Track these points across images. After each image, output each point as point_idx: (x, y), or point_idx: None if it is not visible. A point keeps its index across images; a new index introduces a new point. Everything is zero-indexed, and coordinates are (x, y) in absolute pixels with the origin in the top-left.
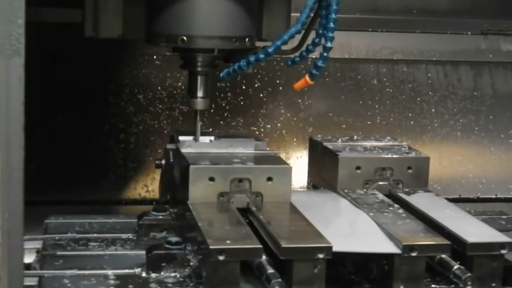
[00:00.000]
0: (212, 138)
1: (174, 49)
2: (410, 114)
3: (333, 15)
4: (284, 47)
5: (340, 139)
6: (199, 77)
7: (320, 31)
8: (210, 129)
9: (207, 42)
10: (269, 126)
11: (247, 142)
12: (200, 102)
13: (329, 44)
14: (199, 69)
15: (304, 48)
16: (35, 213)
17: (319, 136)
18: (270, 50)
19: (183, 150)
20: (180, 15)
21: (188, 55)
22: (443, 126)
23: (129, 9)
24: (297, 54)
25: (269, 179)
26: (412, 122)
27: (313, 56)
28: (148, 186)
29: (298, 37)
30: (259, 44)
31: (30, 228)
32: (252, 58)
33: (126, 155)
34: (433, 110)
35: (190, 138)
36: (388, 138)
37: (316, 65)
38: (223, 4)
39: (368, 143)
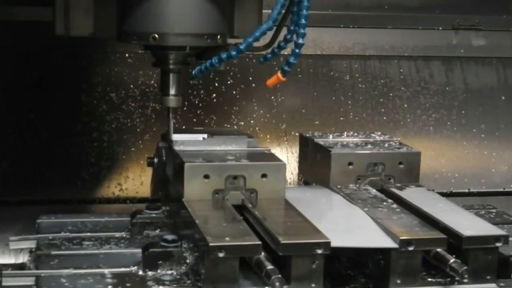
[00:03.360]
0: (205, 135)
1: (146, 47)
2: (382, 110)
3: (304, 12)
4: (256, 44)
5: (331, 135)
6: (171, 75)
7: (292, 28)
8: (186, 127)
9: (179, 39)
10: (242, 123)
11: (240, 139)
12: (172, 100)
13: (300, 41)
14: (171, 66)
15: (276, 44)
16: (8, 213)
17: (310, 132)
18: (241, 47)
19: (177, 148)
20: (152, 13)
21: (160, 53)
22: (416, 121)
23: (100, 7)
24: (269, 50)
25: (264, 175)
26: (385, 118)
27: (286, 53)
28: (122, 184)
29: (270, 34)
30: (231, 41)
31: (4, 229)
32: (224, 55)
33: (99, 153)
34: (405, 105)
35: (183, 136)
36: (379, 133)
37: (288, 62)
38: (195, 1)
39: (359, 139)
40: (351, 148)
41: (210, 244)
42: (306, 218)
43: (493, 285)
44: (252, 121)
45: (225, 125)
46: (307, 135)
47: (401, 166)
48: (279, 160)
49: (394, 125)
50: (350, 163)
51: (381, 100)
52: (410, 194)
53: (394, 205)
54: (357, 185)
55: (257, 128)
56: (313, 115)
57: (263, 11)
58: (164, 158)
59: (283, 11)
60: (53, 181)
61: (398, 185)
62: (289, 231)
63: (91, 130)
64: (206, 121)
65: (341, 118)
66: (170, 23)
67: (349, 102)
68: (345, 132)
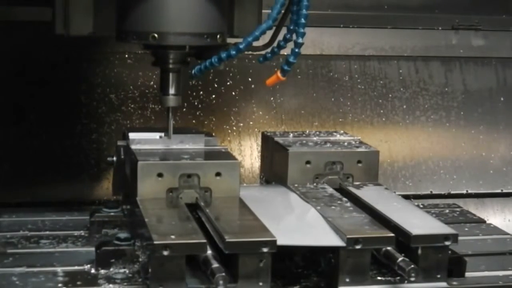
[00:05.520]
0: (162, 134)
1: (145, 46)
2: (381, 111)
3: (304, 11)
4: (255, 44)
5: (291, 134)
6: (170, 74)
7: (292, 27)
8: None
9: (178, 38)
10: (241, 124)
11: (197, 137)
12: (172, 99)
13: (300, 40)
14: (170, 66)
15: (275, 44)
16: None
17: (270, 131)
18: (241, 46)
19: (133, 147)
20: (151, 12)
21: (159, 52)
22: (415, 123)
23: (100, 6)
24: (268, 50)
25: (218, 174)
26: (383, 119)
27: (285, 53)
28: None
29: (270, 34)
30: (230, 40)
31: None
32: (223, 55)
33: (99, 155)
34: (404, 106)
35: (140, 134)
36: (341, 132)
37: (288, 61)
38: (194, 0)
39: (319, 138)
40: (309, 146)
41: (155, 242)
42: (256, 217)
43: (444, 283)
44: (251, 122)
45: (225, 126)
46: (268, 133)
47: (360, 164)
48: (234, 158)
49: (393, 126)
50: (308, 162)
51: (380, 101)
52: (367, 192)
53: (348, 204)
54: (315, 184)
55: (256, 129)
56: (312, 116)
57: (263, 11)
58: (122, 157)
59: (283, 11)
60: (53, 183)
61: (356, 183)
62: (237, 229)
63: (91, 131)
64: (206, 122)
65: (340, 119)
66: (170, 22)
67: (348, 103)
68: (307, 131)
